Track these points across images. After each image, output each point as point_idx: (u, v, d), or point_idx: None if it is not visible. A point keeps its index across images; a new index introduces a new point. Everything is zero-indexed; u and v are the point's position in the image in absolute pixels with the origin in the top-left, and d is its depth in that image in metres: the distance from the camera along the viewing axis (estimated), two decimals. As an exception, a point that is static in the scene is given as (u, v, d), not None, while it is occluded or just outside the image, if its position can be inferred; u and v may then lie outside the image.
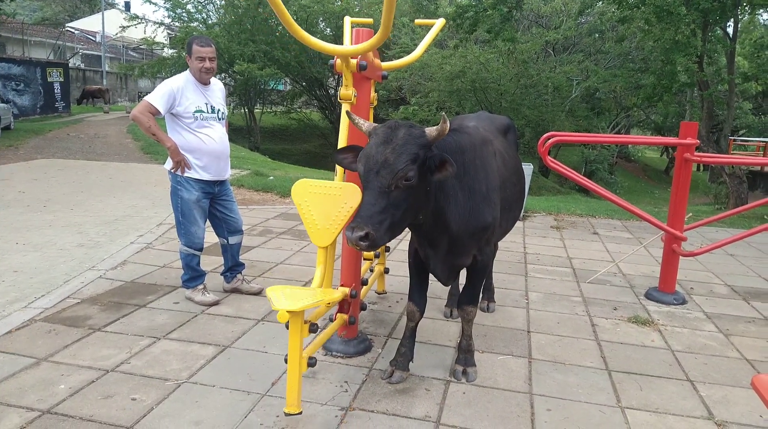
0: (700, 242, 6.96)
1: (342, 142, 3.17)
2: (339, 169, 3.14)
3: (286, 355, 2.68)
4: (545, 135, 4.68)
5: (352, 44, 3.49)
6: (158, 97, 3.98)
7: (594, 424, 2.92)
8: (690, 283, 5.49)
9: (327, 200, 2.97)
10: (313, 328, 2.78)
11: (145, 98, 4.02)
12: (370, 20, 4.20)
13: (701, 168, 30.25)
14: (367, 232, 2.45)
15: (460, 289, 4.00)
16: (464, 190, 2.99)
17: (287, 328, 2.64)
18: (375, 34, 3.12)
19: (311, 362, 2.77)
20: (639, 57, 18.27)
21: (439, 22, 4.26)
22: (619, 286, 5.29)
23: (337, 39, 23.63)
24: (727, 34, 12.86)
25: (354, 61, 3.17)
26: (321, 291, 2.85)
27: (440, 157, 2.60)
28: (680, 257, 4.98)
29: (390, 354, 3.43)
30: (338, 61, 3.18)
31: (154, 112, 3.99)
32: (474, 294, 3.37)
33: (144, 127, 4.00)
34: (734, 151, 19.82)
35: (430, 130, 2.62)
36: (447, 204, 2.90)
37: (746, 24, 16.99)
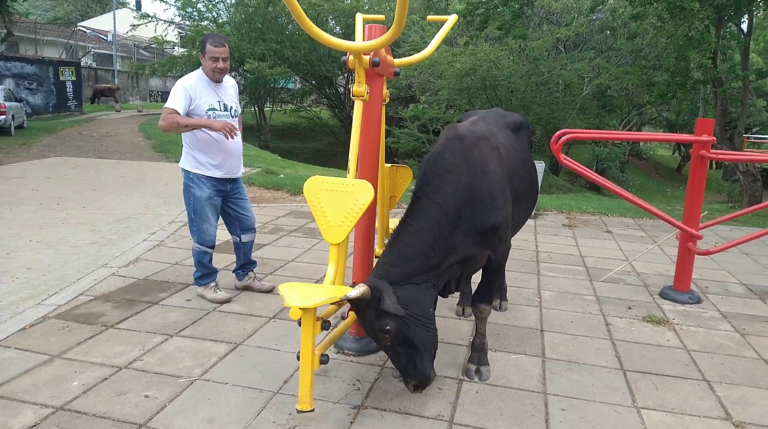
0: (714, 241, 6.88)
1: (354, 140, 3.14)
2: (351, 167, 3.13)
3: (299, 352, 2.67)
4: (558, 132, 4.63)
5: (364, 41, 3.47)
6: (176, 100, 4.01)
7: (610, 424, 2.88)
8: (705, 282, 5.43)
9: (339, 197, 2.96)
10: (326, 326, 2.76)
11: (165, 106, 4.05)
12: (382, 17, 4.17)
13: (714, 166, 29.96)
14: (413, 384, 2.83)
15: (473, 288, 3.97)
16: (459, 192, 2.97)
17: (299, 325, 2.63)
18: (387, 30, 3.11)
19: (323, 359, 2.76)
20: (652, 54, 18.07)
21: (452, 19, 4.22)
22: (633, 285, 5.23)
23: (347, 37, 23.43)
24: (741, 30, 12.71)
25: (367, 58, 3.15)
26: (333, 288, 2.84)
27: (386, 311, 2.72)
28: (695, 256, 4.92)
29: (402, 352, 3.41)
30: (351, 57, 3.16)
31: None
32: (488, 292, 3.34)
33: (177, 128, 4.00)
34: (748, 149, 19.59)
35: (356, 293, 2.68)
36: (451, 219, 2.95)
37: (761, 20, 16.78)
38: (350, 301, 2.71)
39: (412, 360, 2.80)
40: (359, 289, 2.68)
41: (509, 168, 3.32)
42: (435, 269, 2.94)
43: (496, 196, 3.05)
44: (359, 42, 3.16)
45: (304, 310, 2.56)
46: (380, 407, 2.95)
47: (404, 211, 3.06)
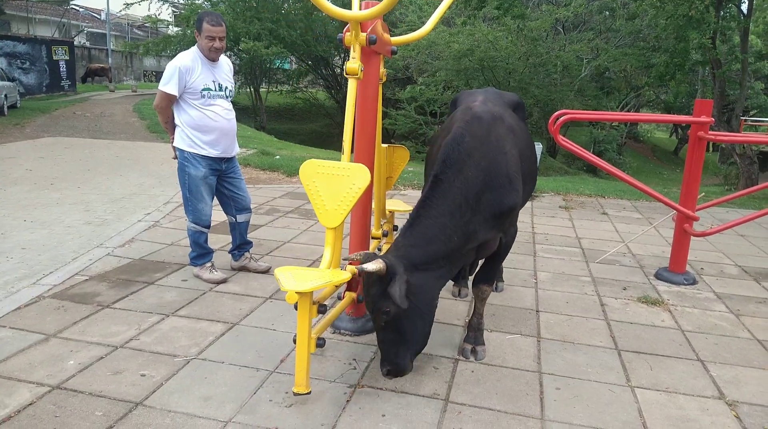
0: (710, 223, 6.89)
1: (348, 121, 3.10)
2: (345, 147, 3.09)
3: (295, 336, 2.67)
4: (556, 113, 4.60)
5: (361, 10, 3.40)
6: (171, 84, 3.98)
7: (604, 402, 2.91)
8: (700, 263, 5.44)
9: (335, 181, 2.92)
10: (322, 309, 2.76)
11: (159, 88, 4.03)
12: (380, -13, 4.09)
13: (711, 148, 29.92)
14: (388, 369, 2.81)
15: (468, 269, 3.96)
16: (479, 177, 2.91)
17: (296, 309, 2.63)
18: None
19: (320, 343, 2.76)
20: (651, 35, 17.90)
21: (450, -5, 4.15)
22: (628, 266, 5.25)
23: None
24: (741, 11, 12.59)
25: (363, 35, 3.10)
26: (329, 272, 2.82)
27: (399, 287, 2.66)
28: (691, 237, 4.92)
29: (398, 332, 3.41)
30: (347, 35, 3.11)
31: (173, 100, 4.05)
32: (491, 274, 3.35)
33: (161, 121, 4.27)
34: (745, 131, 19.54)
35: (372, 268, 2.65)
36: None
37: (761, 2, 16.62)
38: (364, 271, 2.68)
39: (395, 348, 2.79)
40: (376, 265, 2.63)
41: (520, 149, 3.29)
42: (454, 253, 2.91)
43: (513, 178, 3.03)
44: (356, 11, 3.09)
45: (300, 294, 2.56)
46: (376, 386, 2.96)
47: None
